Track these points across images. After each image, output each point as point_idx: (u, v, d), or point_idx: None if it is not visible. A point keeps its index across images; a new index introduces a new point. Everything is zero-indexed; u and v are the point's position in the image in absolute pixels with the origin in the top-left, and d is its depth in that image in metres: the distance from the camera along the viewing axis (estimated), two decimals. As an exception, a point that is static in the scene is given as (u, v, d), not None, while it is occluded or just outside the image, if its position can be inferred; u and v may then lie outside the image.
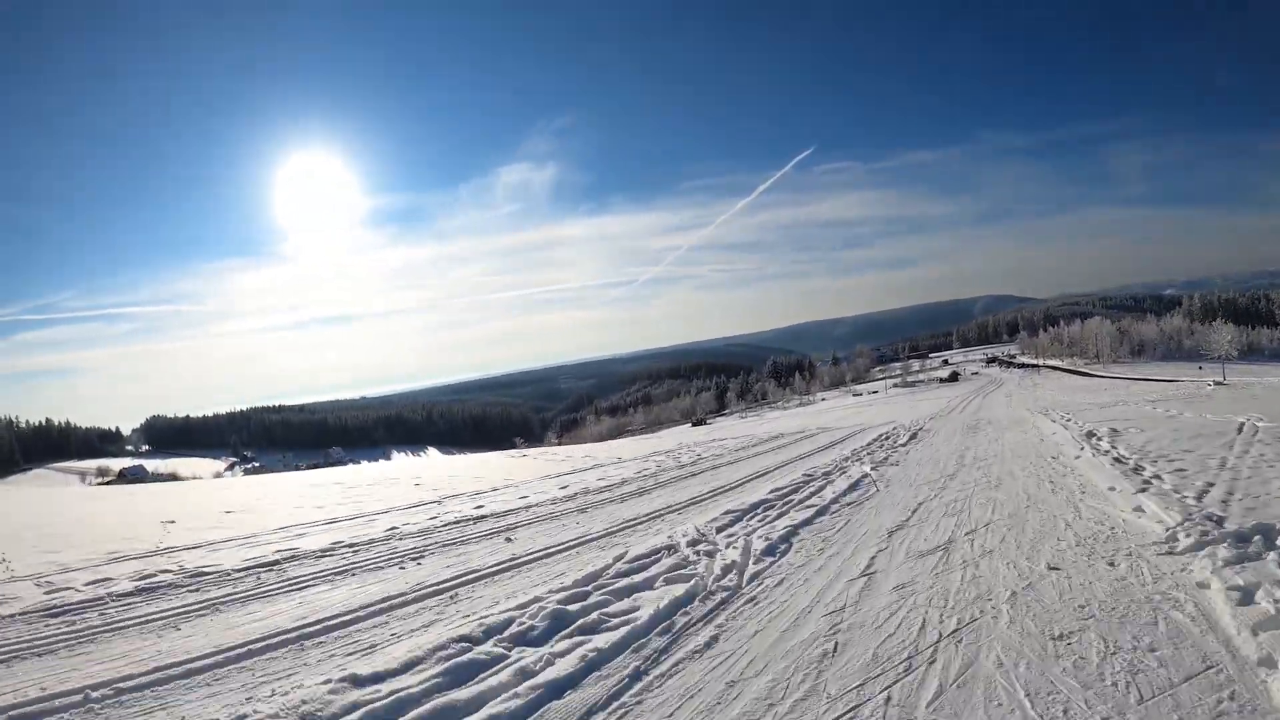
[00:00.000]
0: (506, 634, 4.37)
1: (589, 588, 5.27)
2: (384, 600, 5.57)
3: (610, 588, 5.25)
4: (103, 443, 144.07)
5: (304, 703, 3.50)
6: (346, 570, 6.86)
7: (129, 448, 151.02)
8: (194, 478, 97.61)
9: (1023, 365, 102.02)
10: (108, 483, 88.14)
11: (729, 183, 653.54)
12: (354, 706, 3.45)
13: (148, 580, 6.69)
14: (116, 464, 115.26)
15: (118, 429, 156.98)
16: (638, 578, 5.48)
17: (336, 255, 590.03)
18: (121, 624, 5.38)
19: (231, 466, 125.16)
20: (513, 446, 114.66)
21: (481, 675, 3.79)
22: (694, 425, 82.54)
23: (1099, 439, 12.48)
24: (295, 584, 6.41)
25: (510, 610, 4.78)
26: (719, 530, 7.27)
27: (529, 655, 4.02)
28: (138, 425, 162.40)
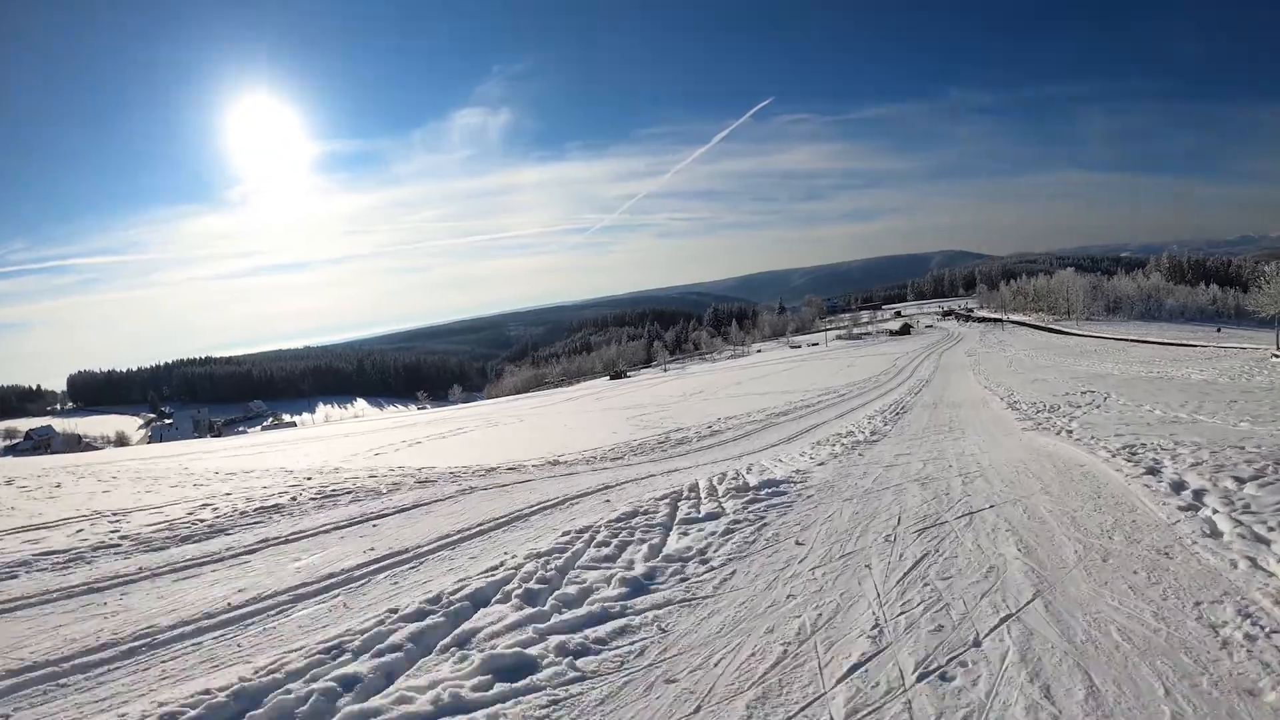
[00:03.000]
0: None
1: None
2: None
3: None
4: (22, 401, 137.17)
5: None
6: None
7: (55, 406, 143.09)
8: (99, 439, 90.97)
9: (983, 319, 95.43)
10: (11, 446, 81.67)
11: (687, 131, 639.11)
12: None
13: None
14: (29, 424, 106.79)
15: (38, 386, 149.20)
16: None
17: (287, 202, 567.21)
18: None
19: (148, 424, 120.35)
20: (434, 399, 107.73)
21: None
22: (612, 378, 77.13)
23: None
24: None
25: None
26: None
27: None
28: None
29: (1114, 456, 6.60)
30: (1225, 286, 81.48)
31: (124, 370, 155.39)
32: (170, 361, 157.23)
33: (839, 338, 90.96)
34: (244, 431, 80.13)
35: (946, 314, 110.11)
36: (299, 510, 7.28)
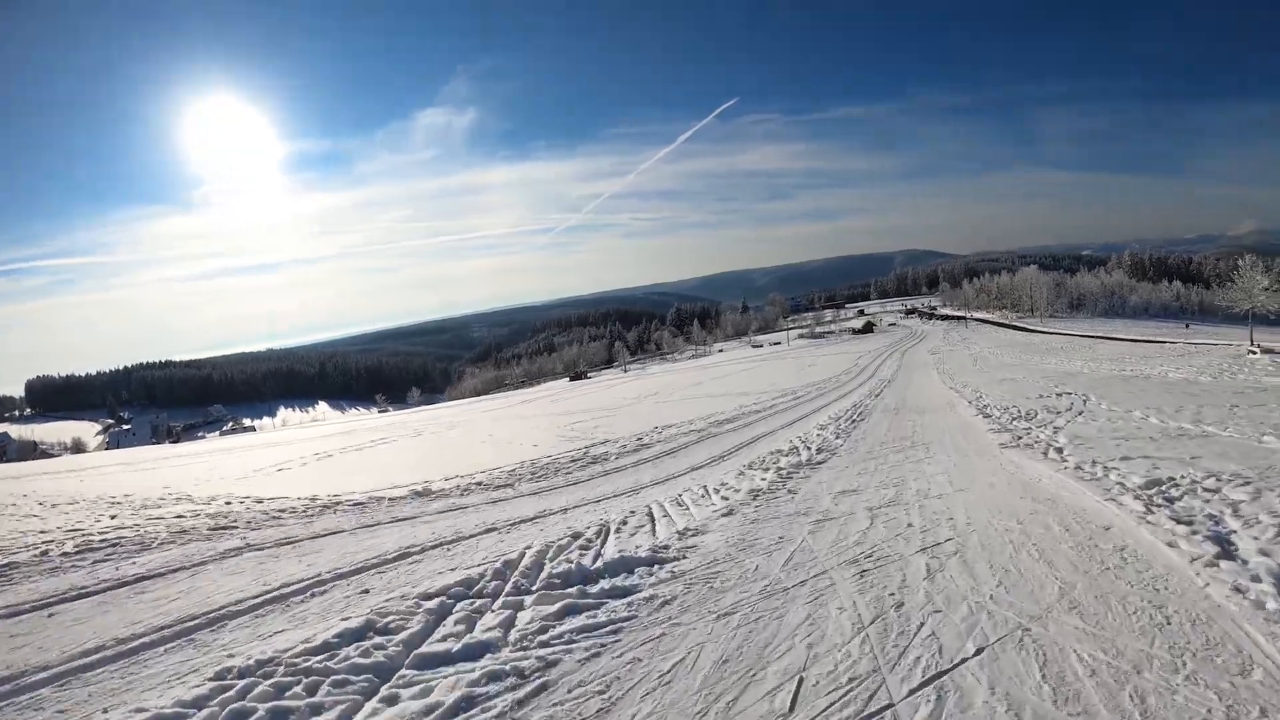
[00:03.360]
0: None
1: None
2: None
3: None
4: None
5: None
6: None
7: (14, 412, 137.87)
8: (55, 446, 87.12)
9: (946, 317, 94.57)
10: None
11: (652, 131, 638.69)
12: None
13: None
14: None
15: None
16: None
17: (255, 202, 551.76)
18: None
19: (106, 429, 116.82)
20: (394, 402, 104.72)
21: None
22: (572, 380, 74.60)
23: None
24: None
25: None
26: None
27: None
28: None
29: (1149, 511, 4.56)
30: (1188, 283, 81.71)
31: (83, 375, 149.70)
32: (130, 365, 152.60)
33: (801, 337, 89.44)
34: (202, 436, 76.53)
35: (909, 312, 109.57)
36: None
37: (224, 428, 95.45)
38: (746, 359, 59.91)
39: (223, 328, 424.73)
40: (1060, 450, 7.70)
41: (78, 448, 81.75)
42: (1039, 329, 66.22)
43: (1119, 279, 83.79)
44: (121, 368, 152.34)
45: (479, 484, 9.99)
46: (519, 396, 55.00)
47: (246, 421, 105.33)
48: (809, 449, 9.78)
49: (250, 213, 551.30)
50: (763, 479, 7.36)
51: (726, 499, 6.26)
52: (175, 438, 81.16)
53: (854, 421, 13.35)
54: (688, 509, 5.94)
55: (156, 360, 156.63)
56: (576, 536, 4.90)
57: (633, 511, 5.90)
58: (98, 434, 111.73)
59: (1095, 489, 5.37)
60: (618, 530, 5.23)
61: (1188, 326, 56.66)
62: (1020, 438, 8.98)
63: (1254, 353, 22.49)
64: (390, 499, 8.77)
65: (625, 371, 75.37)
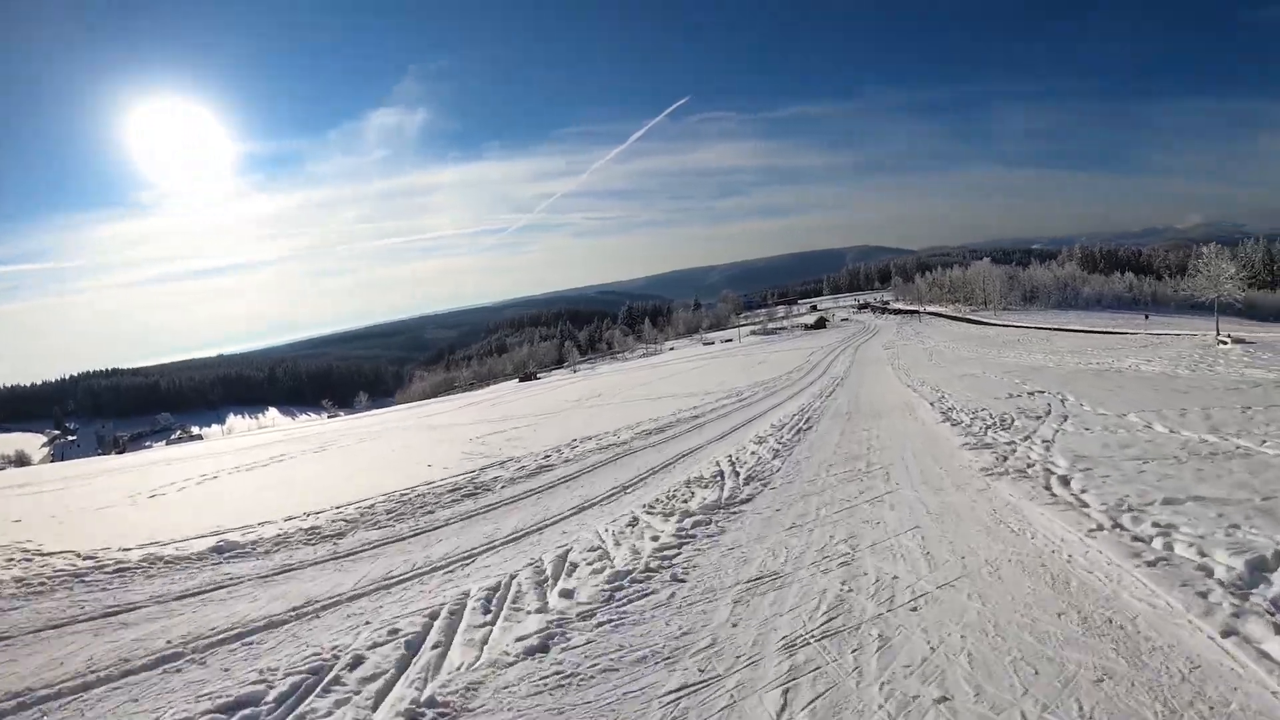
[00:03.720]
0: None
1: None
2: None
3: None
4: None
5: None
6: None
7: None
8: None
9: (899, 311, 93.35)
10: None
11: (604, 130, 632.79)
12: None
13: None
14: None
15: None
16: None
17: (202, 206, 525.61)
18: None
19: (51, 441, 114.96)
20: (341, 406, 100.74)
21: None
22: (521, 381, 71.24)
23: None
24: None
25: None
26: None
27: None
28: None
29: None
30: (1140, 274, 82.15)
31: (28, 385, 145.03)
32: (76, 374, 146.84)
33: (753, 333, 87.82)
34: (149, 446, 72.84)
35: (862, 307, 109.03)
36: None
37: (171, 436, 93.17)
38: (696, 357, 58.03)
39: (174, 334, 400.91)
40: (1066, 482, 5.59)
41: (21, 461, 77.28)
42: (993, 321, 65.24)
43: (1071, 271, 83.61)
44: (68, 377, 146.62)
45: (309, 531, 7.52)
46: (464, 400, 52.73)
47: (195, 430, 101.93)
48: (737, 475, 7.55)
49: (200, 216, 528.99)
50: (654, 536, 5.08)
51: (568, 596, 3.92)
52: (121, 448, 76.63)
53: (799, 431, 11.19)
54: (487, 626, 3.58)
55: (103, 369, 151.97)
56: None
57: (393, 631, 3.51)
58: (43, 445, 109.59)
59: (1171, 585, 3.17)
60: (326, 689, 2.85)
61: (1146, 318, 56.29)
62: (1005, 458, 6.87)
63: (1224, 343, 21.21)
64: (168, 559, 6.29)
65: (574, 372, 72.87)
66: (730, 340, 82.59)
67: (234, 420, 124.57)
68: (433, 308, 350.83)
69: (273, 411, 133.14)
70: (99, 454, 71.99)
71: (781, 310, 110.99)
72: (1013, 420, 9.66)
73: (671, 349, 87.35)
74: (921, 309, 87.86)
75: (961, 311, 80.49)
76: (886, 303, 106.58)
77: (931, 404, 12.72)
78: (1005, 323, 61.66)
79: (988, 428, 9.13)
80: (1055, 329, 47.60)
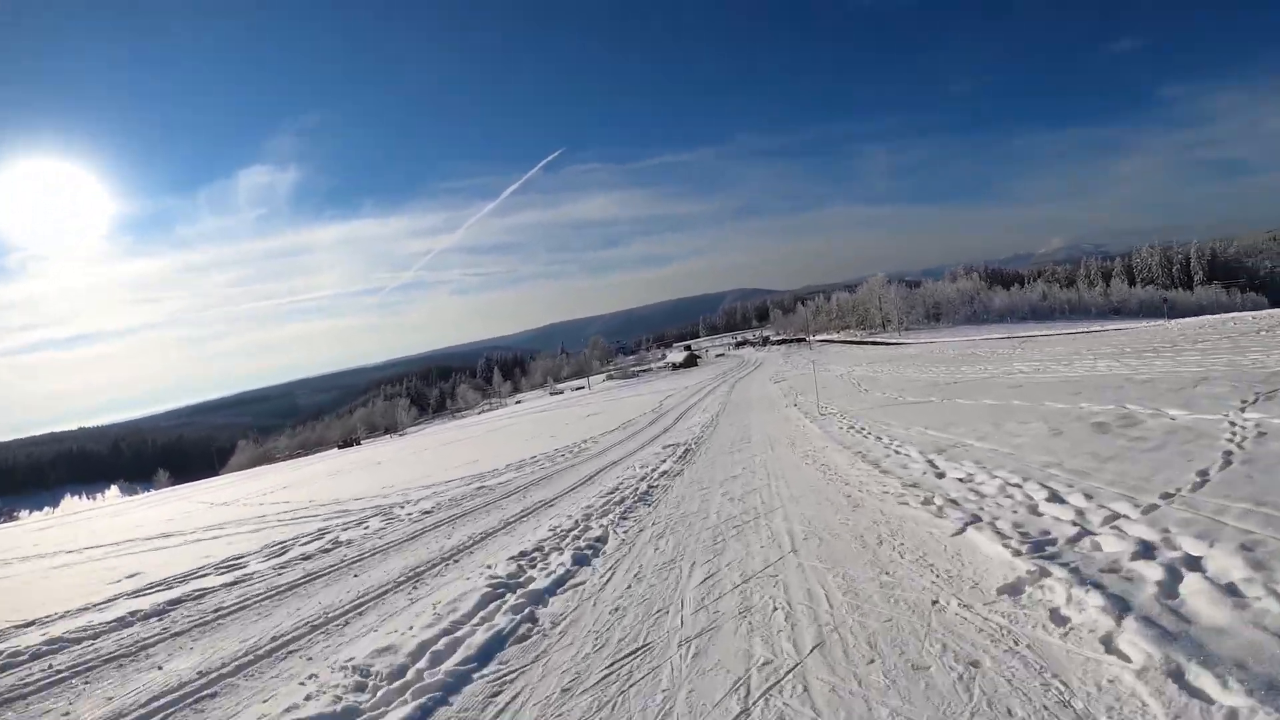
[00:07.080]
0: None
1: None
2: None
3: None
4: None
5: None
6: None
7: None
8: None
9: (784, 341, 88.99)
10: None
11: (479, 184, 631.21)
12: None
13: None
14: None
15: None
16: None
17: (66, 270, 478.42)
18: None
19: None
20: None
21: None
22: (341, 448, 64.96)
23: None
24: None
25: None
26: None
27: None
28: None
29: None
30: (1050, 284, 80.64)
31: None
32: None
33: (610, 378, 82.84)
34: None
35: (740, 344, 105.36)
36: None
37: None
38: (536, 409, 53.13)
39: (36, 406, 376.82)
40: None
41: None
42: (905, 340, 59.42)
43: (975, 284, 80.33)
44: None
45: None
46: (251, 474, 47.24)
47: (25, 513, 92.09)
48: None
49: (64, 280, 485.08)
50: None
51: None
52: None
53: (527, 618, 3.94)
54: None
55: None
56: None
57: None
58: None
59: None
60: None
61: (1170, 308, 51.59)
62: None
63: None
64: None
65: (400, 436, 69.09)
66: (581, 387, 77.40)
67: (70, 501, 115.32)
68: (313, 370, 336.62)
69: (114, 489, 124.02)
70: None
71: (656, 353, 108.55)
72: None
73: (518, 401, 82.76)
74: (809, 337, 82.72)
75: (857, 335, 74.55)
76: (766, 337, 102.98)
77: (920, 492, 5.83)
78: (924, 340, 54.97)
79: None
80: (1023, 337, 40.63)
